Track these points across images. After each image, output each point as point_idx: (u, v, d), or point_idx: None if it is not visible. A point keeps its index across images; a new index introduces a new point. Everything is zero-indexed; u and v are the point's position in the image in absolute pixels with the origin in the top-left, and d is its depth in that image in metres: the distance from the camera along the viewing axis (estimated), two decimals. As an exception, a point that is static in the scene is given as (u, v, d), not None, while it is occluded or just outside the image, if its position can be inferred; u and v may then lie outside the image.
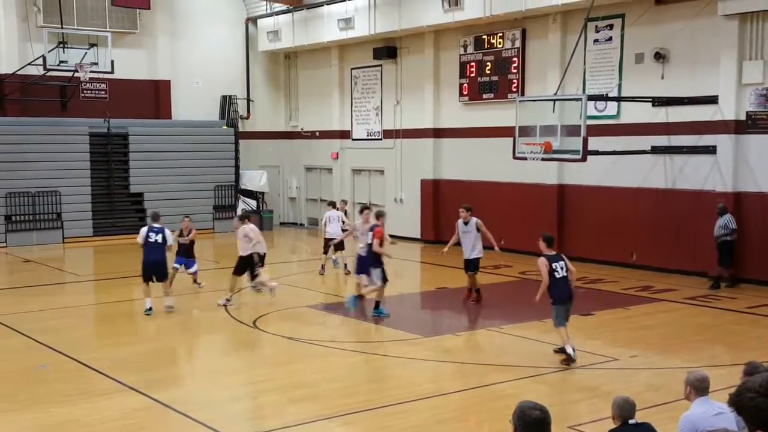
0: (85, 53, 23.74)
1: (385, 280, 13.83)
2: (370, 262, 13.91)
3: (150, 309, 13.93)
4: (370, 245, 13.79)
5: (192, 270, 16.29)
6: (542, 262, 10.95)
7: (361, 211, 15.50)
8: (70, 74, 23.97)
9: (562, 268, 10.87)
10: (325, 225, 18.65)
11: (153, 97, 26.99)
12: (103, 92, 26.11)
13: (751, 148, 16.64)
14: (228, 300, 14.52)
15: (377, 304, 13.75)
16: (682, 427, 6.04)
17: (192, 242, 16.20)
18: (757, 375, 2.99)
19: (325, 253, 18.54)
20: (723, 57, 16.74)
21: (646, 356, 11.39)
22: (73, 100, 25.35)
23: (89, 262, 22.39)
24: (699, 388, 6.21)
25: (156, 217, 14.51)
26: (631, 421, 6.24)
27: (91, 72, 23.83)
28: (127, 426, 8.82)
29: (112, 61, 24.15)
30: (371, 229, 13.93)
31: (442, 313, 15.48)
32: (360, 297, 14.26)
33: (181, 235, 16.04)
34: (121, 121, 25.47)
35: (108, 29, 25.06)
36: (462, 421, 9.16)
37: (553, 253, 11.09)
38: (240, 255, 14.68)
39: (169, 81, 27.11)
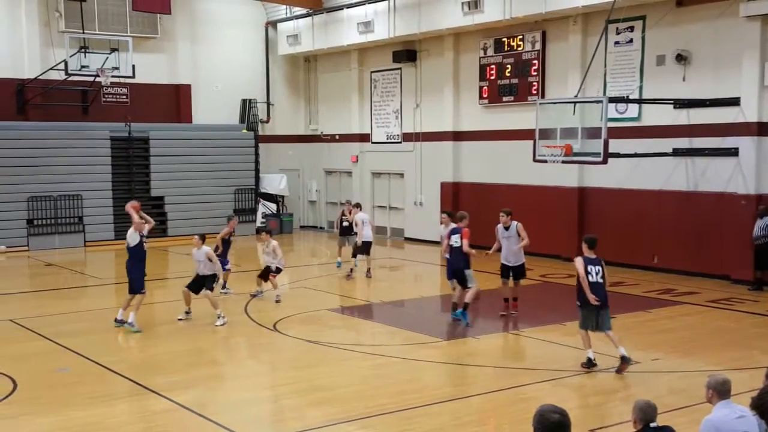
0: (107, 58, 23.95)
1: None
2: (459, 264, 13.55)
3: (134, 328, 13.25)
4: (453, 247, 13.47)
5: (228, 267, 16.44)
6: (578, 260, 10.79)
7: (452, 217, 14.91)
8: (91, 79, 24.20)
9: (597, 273, 10.66)
10: (355, 227, 18.51)
11: (174, 101, 27.19)
12: (124, 97, 26.32)
13: (775, 150, 16.48)
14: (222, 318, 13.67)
15: (466, 306, 13.39)
16: (703, 431, 5.99)
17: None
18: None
19: (355, 256, 18.52)
20: (745, 58, 16.59)
21: (667, 359, 11.30)
22: (95, 104, 25.61)
23: (111, 265, 22.53)
24: (721, 391, 6.16)
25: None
26: (652, 425, 6.19)
27: (113, 77, 24.03)
28: (148, 429, 8.87)
29: (133, 66, 24.37)
30: (453, 231, 13.58)
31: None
32: (465, 307, 13.67)
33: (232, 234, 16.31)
34: (142, 126, 25.70)
35: (129, 34, 25.35)
36: (482, 424, 9.13)
37: (594, 256, 10.83)
38: (198, 274, 13.92)
39: (189, 85, 27.31)
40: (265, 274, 15.68)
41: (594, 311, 10.68)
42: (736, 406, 6.11)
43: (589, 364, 10.63)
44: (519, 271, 14.28)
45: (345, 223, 19.29)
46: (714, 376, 6.34)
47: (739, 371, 10.19)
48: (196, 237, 14.04)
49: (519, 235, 14.09)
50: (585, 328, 10.80)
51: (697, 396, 8.35)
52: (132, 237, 13.28)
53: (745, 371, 10.23)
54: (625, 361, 10.45)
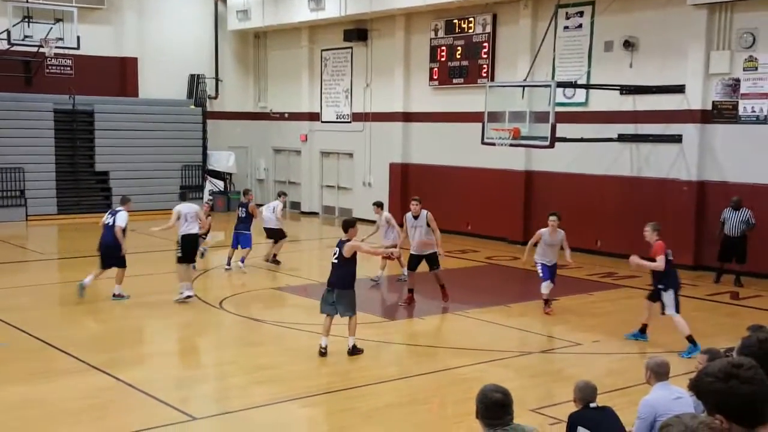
0: (51, 28, 23.34)
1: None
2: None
3: (81, 287, 13.33)
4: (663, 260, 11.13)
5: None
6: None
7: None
8: (35, 49, 23.58)
9: (334, 254, 10.53)
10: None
11: (119, 75, 26.63)
12: (68, 68, 25.68)
13: (716, 138, 16.87)
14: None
15: (690, 338, 10.86)
16: (642, 411, 6.16)
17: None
18: (716, 360, 3.04)
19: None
20: (691, 47, 16.91)
21: (608, 341, 11.55)
22: (38, 75, 24.97)
23: (53, 240, 22.10)
24: (659, 373, 6.35)
25: (122, 201, 14.06)
26: (592, 405, 6.35)
27: (57, 48, 23.42)
28: (90, 405, 8.75)
29: (78, 37, 23.79)
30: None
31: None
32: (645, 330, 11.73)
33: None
34: (87, 98, 25.09)
35: (74, 4, 24.66)
36: (425, 403, 9.22)
37: (344, 238, 10.53)
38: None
39: (136, 58, 26.74)
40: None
41: (331, 293, 10.48)
42: (674, 387, 6.30)
43: (324, 351, 10.41)
44: (432, 260, 13.48)
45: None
46: (653, 359, 6.54)
47: (678, 353, 10.47)
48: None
49: (428, 225, 13.35)
50: (322, 311, 10.59)
51: (635, 377, 8.56)
52: (122, 219, 13.45)
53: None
54: (354, 351, 10.45)
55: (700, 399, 2.91)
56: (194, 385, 9.62)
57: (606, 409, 6.37)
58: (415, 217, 13.52)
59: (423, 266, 13.64)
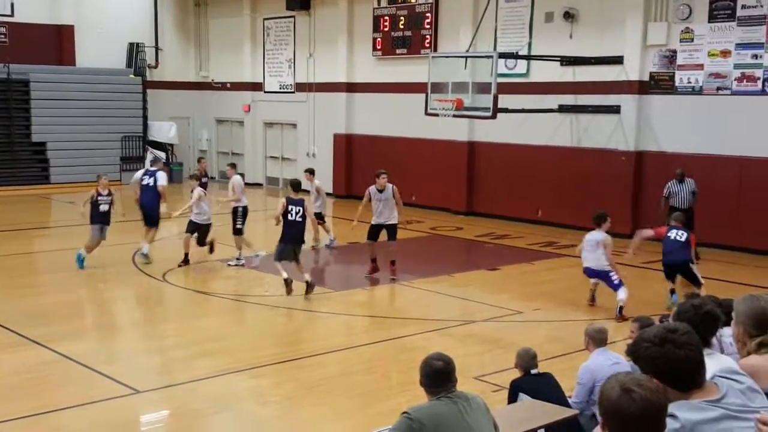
0: (-19, -6, 22.55)
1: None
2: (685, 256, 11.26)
3: (144, 255, 14.05)
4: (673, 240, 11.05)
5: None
6: (282, 201, 12.03)
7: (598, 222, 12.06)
8: (-36, 16, 22.74)
9: (297, 213, 11.84)
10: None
11: (56, 43, 25.86)
12: (2, 36, 24.86)
13: (653, 109, 17.22)
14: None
15: None
16: (581, 376, 6.35)
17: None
18: (652, 326, 3.15)
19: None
20: (629, 18, 17.17)
21: (548, 309, 11.79)
22: (-31, 43, 24.12)
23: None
24: (597, 339, 6.55)
25: (154, 161, 14.62)
26: (533, 371, 6.51)
27: (-12, 14, 22.64)
28: (30, 380, 8.61)
29: (12, 4, 23.12)
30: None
31: (354, 267, 15.56)
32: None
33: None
34: (22, 67, 24.32)
35: (6, -31, 23.85)
36: (370, 373, 9.31)
37: (298, 198, 12.05)
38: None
39: (72, 26, 26.00)
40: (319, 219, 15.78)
41: (290, 246, 11.90)
42: (611, 353, 6.51)
43: (288, 287, 11.84)
44: (392, 231, 13.32)
45: (103, 206, 13.76)
46: (592, 326, 6.74)
47: (614, 320, 10.75)
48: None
49: (394, 199, 13.24)
50: (277, 260, 12.01)
51: (575, 344, 8.80)
52: (162, 178, 14.25)
53: (622, 321, 10.78)
54: (309, 286, 11.81)
55: (637, 364, 3.00)
56: (137, 358, 9.54)
57: (546, 375, 6.54)
58: (380, 191, 13.26)
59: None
